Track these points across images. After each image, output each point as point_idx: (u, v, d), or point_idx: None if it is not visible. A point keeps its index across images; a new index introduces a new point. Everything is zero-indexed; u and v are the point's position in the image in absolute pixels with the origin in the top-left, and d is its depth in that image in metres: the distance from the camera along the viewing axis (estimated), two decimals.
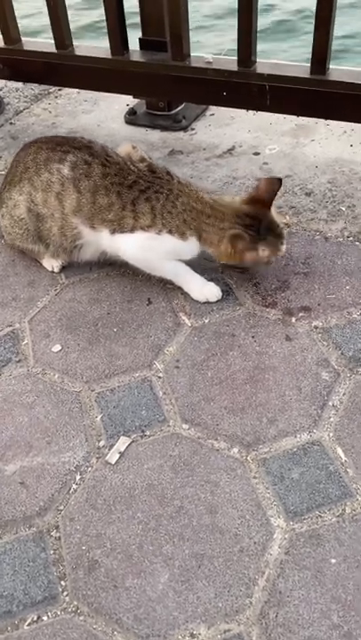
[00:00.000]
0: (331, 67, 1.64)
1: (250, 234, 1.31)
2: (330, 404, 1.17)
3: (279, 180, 1.34)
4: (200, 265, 1.43)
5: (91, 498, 1.07)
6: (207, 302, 1.40)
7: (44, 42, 2.01)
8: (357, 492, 1.03)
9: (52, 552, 1.01)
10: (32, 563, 1.00)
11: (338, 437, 1.11)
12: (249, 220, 1.32)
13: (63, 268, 1.52)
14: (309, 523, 1.00)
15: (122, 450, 1.13)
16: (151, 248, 1.35)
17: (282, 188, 1.70)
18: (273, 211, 1.35)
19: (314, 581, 0.93)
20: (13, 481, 1.10)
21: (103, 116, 2.17)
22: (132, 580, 0.96)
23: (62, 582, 0.97)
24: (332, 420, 1.14)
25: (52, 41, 1.92)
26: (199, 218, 1.33)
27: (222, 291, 1.41)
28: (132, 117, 2.11)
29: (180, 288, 1.43)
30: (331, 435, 1.12)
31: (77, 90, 2.32)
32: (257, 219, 1.32)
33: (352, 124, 1.91)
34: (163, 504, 1.05)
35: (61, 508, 1.06)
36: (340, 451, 1.09)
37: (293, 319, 1.34)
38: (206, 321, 1.37)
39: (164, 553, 0.99)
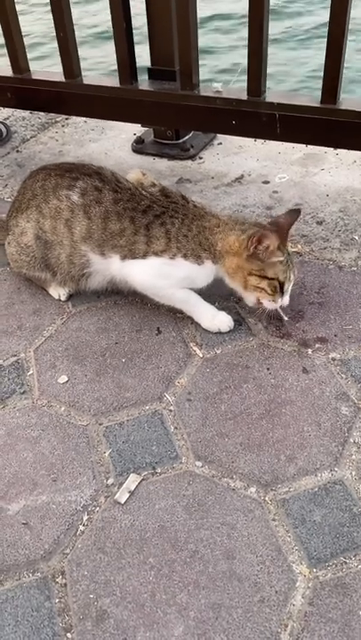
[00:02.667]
0: (341, 96, 1.63)
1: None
2: (351, 440, 1.11)
3: (298, 211, 1.31)
4: (211, 294, 1.39)
5: (99, 540, 1.00)
6: (219, 332, 1.36)
7: (52, 71, 2.02)
8: None
9: (57, 600, 0.94)
10: (36, 612, 0.92)
11: None
12: (270, 227, 1.27)
13: (70, 297, 1.48)
14: (334, 570, 0.94)
15: (132, 488, 1.07)
16: (163, 274, 1.31)
17: None
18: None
19: (342, 636, 0.86)
20: (17, 521, 1.04)
21: (110, 144, 2.17)
22: (143, 633, 0.89)
23: (68, 635, 0.89)
24: (354, 457, 1.08)
25: (61, 70, 1.92)
26: (215, 231, 1.28)
27: (234, 321, 1.37)
28: (139, 146, 2.10)
29: (190, 317, 1.39)
30: (353, 473, 1.06)
31: (85, 119, 2.32)
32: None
33: None
34: (176, 548, 0.98)
35: (67, 551, 0.99)
36: None
37: (310, 351, 1.29)
38: (218, 352, 1.32)
39: (178, 602, 0.92)
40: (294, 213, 1.31)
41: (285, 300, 1.30)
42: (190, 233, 1.28)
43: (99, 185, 1.32)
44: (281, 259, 1.26)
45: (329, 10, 1.49)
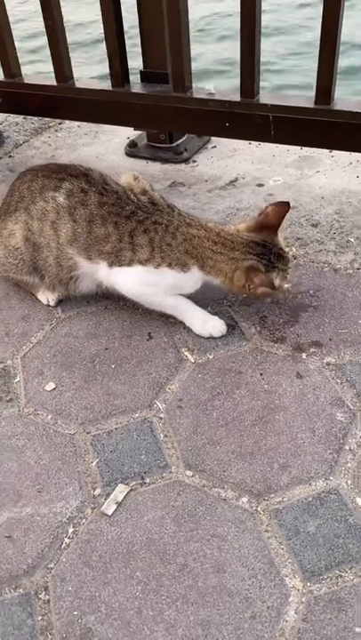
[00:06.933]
0: (336, 96, 1.60)
1: (264, 264, 1.24)
2: (346, 447, 1.07)
3: (287, 204, 1.28)
4: (203, 298, 1.35)
5: (85, 554, 0.96)
6: (211, 337, 1.32)
7: (44, 75, 2.00)
8: None
9: (39, 618, 0.90)
10: (17, 631, 0.88)
11: (357, 485, 1.01)
12: (260, 249, 1.25)
13: (60, 302, 1.45)
14: (329, 584, 0.90)
15: (119, 499, 1.03)
16: (149, 282, 1.28)
17: (287, 219, 1.64)
18: (279, 235, 1.29)
19: None
20: None
21: (103, 148, 2.14)
22: None
23: None
24: (349, 465, 1.04)
25: (53, 74, 1.90)
26: (204, 245, 1.25)
27: (227, 325, 1.33)
28: (132, 150, 2.08)
29: (182, 322, 1.35)
30: (349, 482, 1.02)
31: (78, 123, 2.30)
32: (267, 246, 1.25)
33: (358, 154, 1.87)
34: (164, 561, 0.94)
35: (51, 565, 0.95)
36: (359, 500, 0.99)
37: (304, 355, 1.25)
38: (210, 357, 1.28)
39: (165, 619, 0.88)
40: (285, 206, 1.27)
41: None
42: (175, 241, 1.24)
43: (85, 187, 1.29)
44: (278, 283, 1.27)
45: (322, 8, 1.46)
